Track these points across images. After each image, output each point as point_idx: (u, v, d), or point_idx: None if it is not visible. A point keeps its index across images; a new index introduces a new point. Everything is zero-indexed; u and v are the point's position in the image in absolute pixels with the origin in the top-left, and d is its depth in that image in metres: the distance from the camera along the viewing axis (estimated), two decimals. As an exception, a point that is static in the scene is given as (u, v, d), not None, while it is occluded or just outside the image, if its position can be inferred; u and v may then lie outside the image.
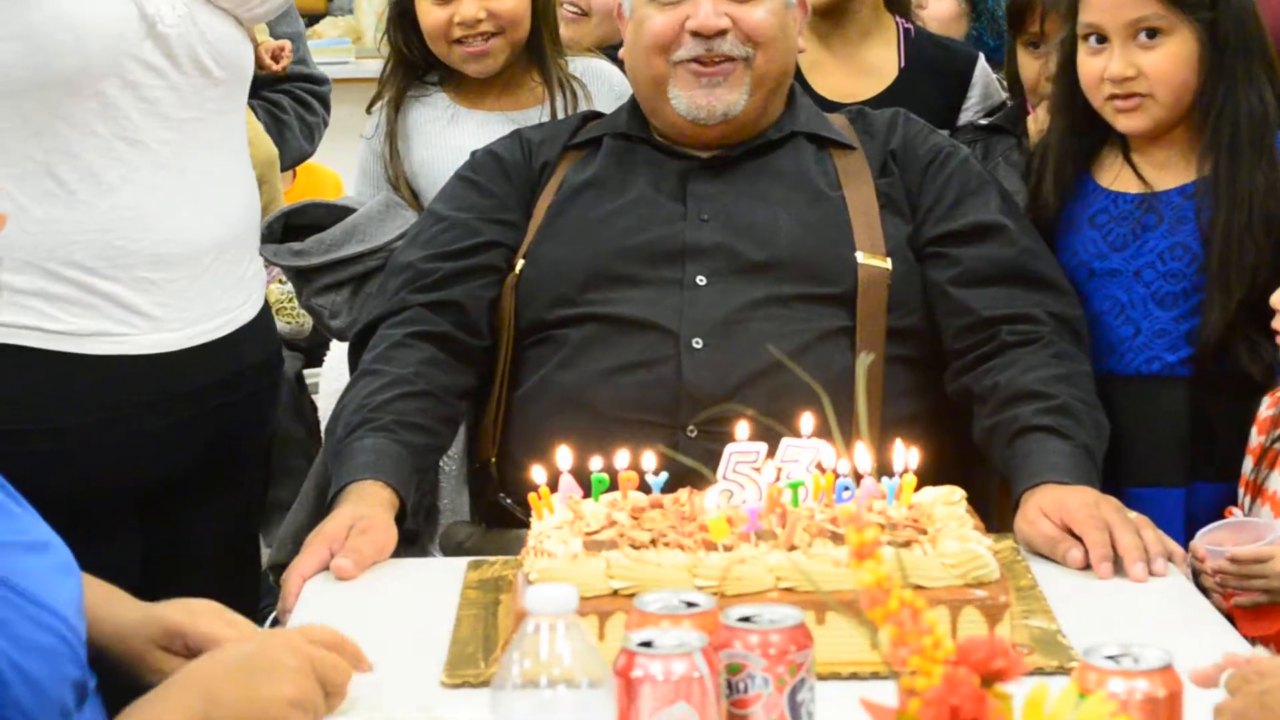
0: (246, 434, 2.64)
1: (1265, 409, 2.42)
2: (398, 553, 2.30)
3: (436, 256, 2.64)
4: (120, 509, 2.47)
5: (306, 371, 3.61)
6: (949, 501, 2.03)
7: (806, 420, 2.06)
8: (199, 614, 1.89)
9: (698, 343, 2.48)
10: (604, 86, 3.19)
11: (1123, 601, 2.08)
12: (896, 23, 3.32)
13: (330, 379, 3.13)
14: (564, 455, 2.10)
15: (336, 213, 3.04)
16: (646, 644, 1.54)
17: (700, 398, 2.44)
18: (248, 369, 2.59)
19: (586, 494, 2.07)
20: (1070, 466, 2.32)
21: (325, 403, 3.07)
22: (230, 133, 2.57)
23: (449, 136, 3.14)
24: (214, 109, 2.52)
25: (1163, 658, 1.50)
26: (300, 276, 3.01)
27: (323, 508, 2.43)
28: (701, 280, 2.53)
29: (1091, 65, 2.58)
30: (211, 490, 2.57)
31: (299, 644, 1.73)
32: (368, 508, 2.31)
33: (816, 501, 2.00)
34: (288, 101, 3.95)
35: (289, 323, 3.64)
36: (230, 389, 2.54)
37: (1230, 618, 2.16)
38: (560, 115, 3.08)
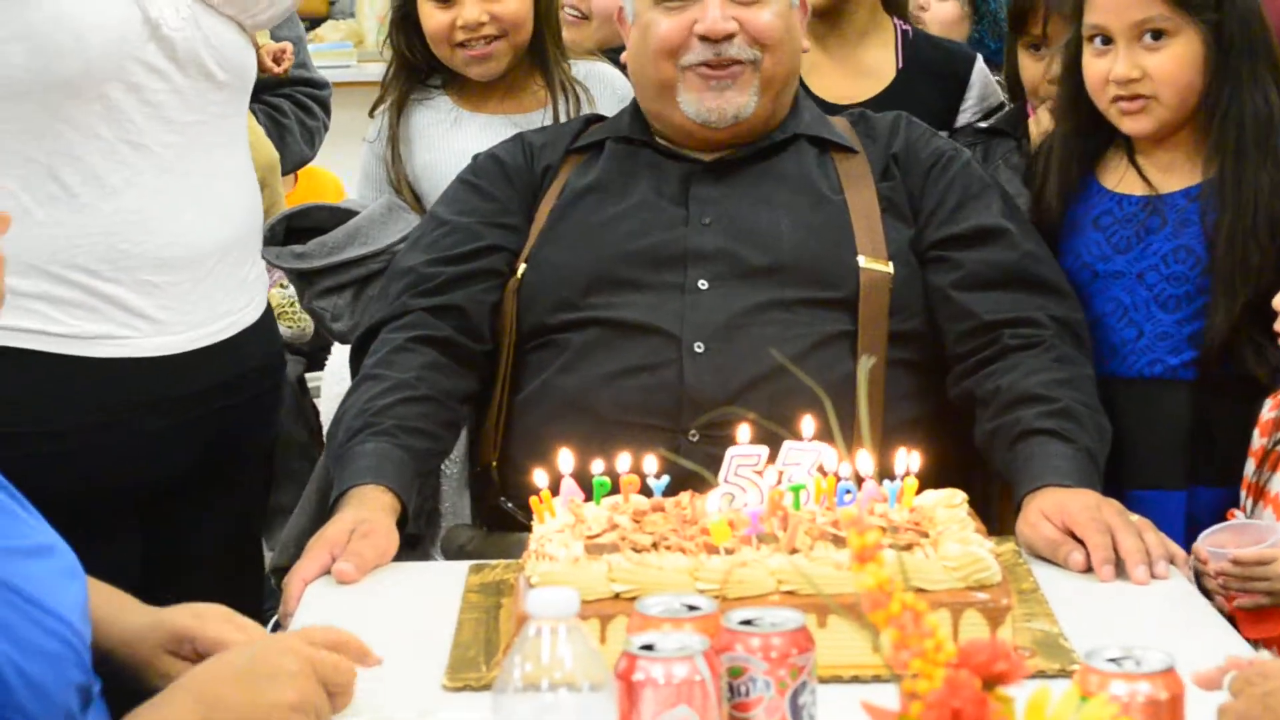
0: (248, 436, 2.64)
1: (1267, 411, 2.42)
2: (399, 556, 2.30)
3: (438, 261, 2.64)
4: (120, 510, 2.47)
5: (308, 375, 3.61)
6: (950, 504, 2.03)
7: (808, 424, 2.06)
8: (208, 618, 1.89)
9: (699, 347, 2.48)
10: (606, 90, 3.19)
11: (1124, 604, 2.08)
12: (894, 24, 3.32)
13: (332, 383, 3.13)
14: (565, 459, 2.10)
15: (339, 215, 3.04)
16: (648, 647, 1.54)
17: (702, 402, 2.44)
18: (250, 371, 2.59)
19: (588, 497, 2.07)
20: (1072, 470, 2.32)
21: (327, 406, 3.07)
22: (233, 136, 2.58)
23: (452, 140, 3.14)
24: (217, 112, 2.52)
25: (1164, 660, 1.50)
26: (302, 279, 3.01)
27: (324, 511, 2.43)
28: (703, 284, 2.53)
29: (1096, 67, 2.58)
30: (213, 492, 2.58)
31: (299, 648, 1.73)
32: (369, 512, 2.31)
33: (818, 505, 2.00)
34: (288, 106, 3.95)
35: (290, 326, 3.64)
36: (233, 391, 2.54)
37: (1232, 620, 2.16)
38: (563, 119, 3.08)
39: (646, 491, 2.07)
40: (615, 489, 2.08)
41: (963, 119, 3.25)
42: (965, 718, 1.27)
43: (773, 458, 2.02)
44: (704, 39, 2.57)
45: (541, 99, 3.17)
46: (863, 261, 2.54)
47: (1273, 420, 2.40)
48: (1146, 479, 2.57)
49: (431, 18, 3.13)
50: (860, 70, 3.26)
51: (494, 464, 2.60)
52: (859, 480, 1.99)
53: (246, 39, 2.59)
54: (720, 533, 1.91)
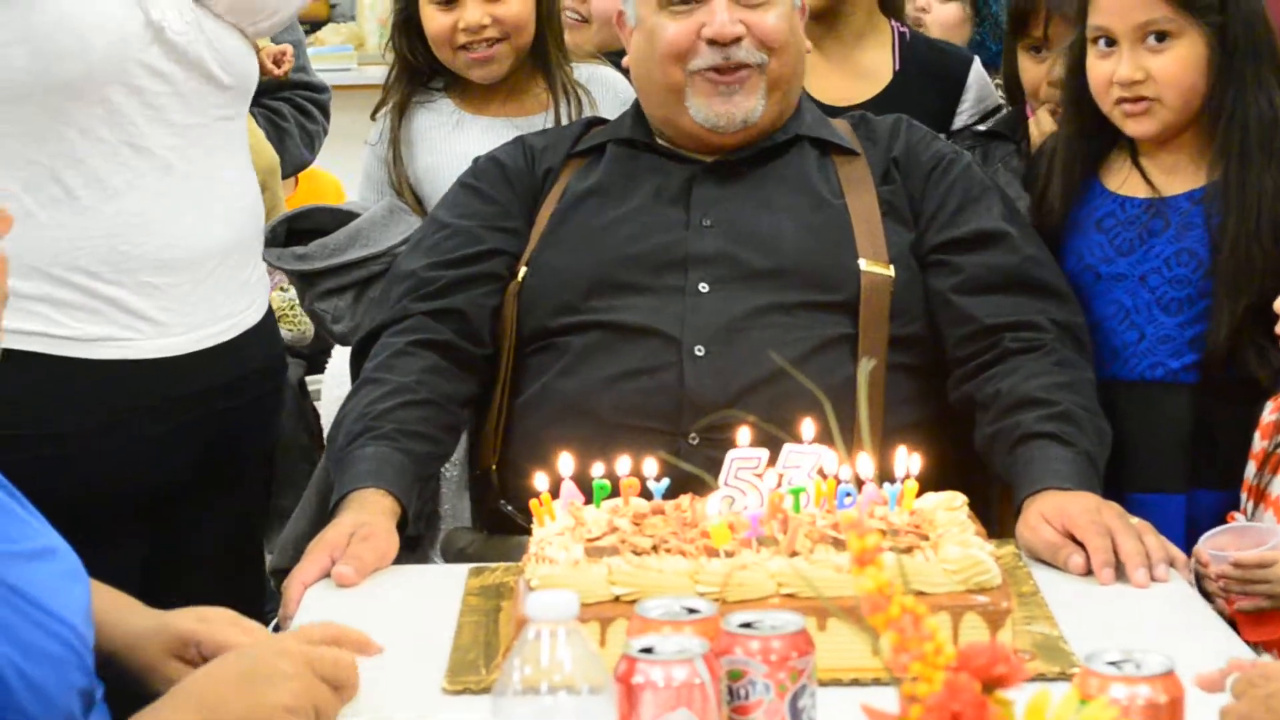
0: (249, 438, 2.64)
1: (1268, 414, 2.42)
2: (399, 559, 2.30)
3: (439, 264, 2.63)
4: (122, 514, 2.47)
5: (309, 378, 3.61)
6: (950, 507, 2.03)
7: (808, 427, 2.06)
8: (213, 622, 1.89)
9: (700, 350, 2.48)
10: (609, 93, 3.19)
11: (1124, 607, 2.08)
12: (891, 26, 3.32)
13: (332, 386, 3.13)
14: (565, 462, 2.10)
15: (340, 217, 3.04)
16: (648, 650, 1.54)
17: (702, 405, 2.44)
18: (251, 373, 2.59)
19: (588, 500, 2.07)
20: (1072, 473, 2.32)
21: (327, 409, 3.07)
22: (234, 138, 2.58)
23: (454, 142, 3.14)
24: (218, 115, 2.52)
25: (1164, 663, 1.50)
26: (303, 280, 3.01)
27: (324, 514, 2.43)
28: (704, 287, 2.53)
29: (1100, 68, 2.58)
30: (214, 494, 2.58)
31: (295, 648, 1.72)
32: (369, 515, 2.31)
33: (818, 507, 2.00)
34: (288, 109, 3.95)
35: (291, 329, 3.64)
36: (234, 393, 2.54)
37: (1233, 623, 2.16)
38: (565, 122, 3.07)
39: (646, 494, 2.07)
40: (615, 492, 2.08)
41: (959, 121, 3.25)
42: (965, 721, 1.27)
43: (773, 461, 2.02)
44: (712, 43, 2.56)
45: (543, 102, 3.17)
46: (863, 265, 2.54)
47: (1273, 423, 2.40)
48: (1147, 482, 2.56)
49: (433, 20, 3.13)
50: (857, 72, 3.26)
51: (494, 467, 2.60)
52: (859, 483, 1.99)
53: (248, 44, 2.59)
54: (720, 535, 1.90)
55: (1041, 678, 1.81)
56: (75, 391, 2.38)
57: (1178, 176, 2.62)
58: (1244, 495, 2.41)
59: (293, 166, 4.03)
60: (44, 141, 2.35)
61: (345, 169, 4.09)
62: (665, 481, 2.07)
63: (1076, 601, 2.08)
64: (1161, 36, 2.54)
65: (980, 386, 2.50)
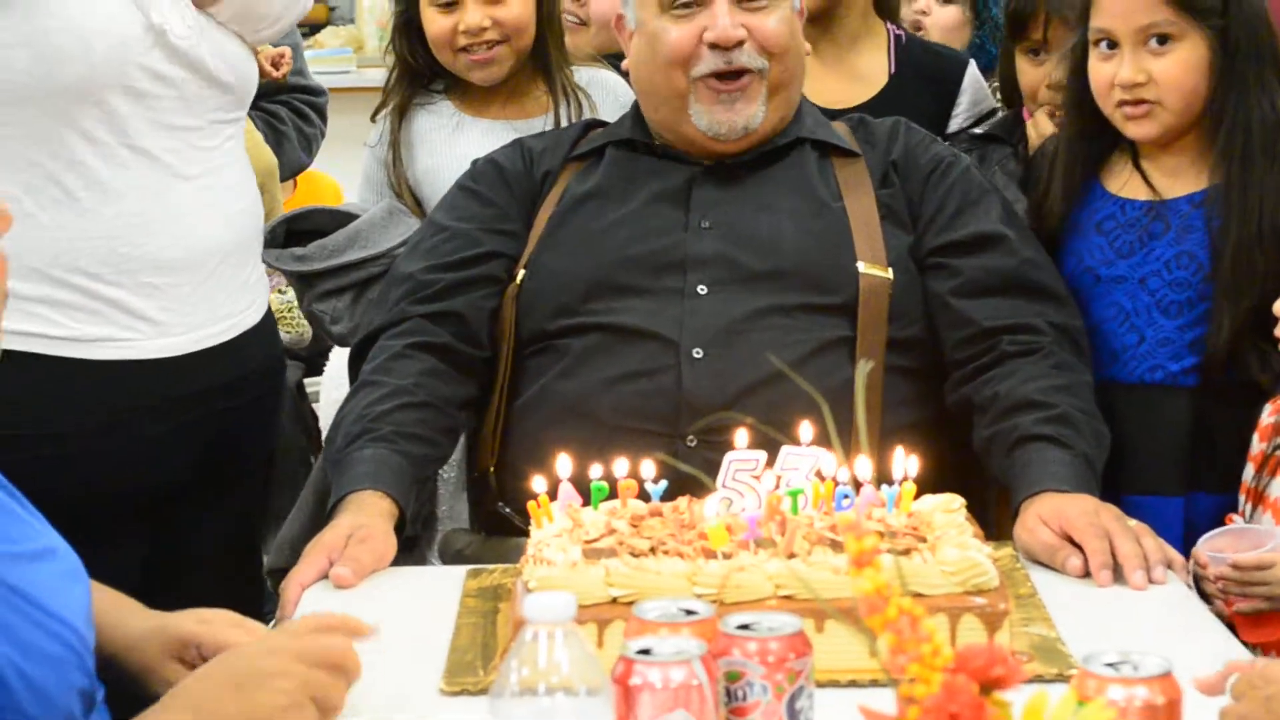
0: (249, 438, 2.64)
1: (1267, 416, 2.42)
2: (396, 560, 2.30)
3: (437, 267, 2.63)
4: (121, 514, 2.47)
5: (307, 380, 3.61)
6: (948, 509, 2.03)
7: (806, 429, 2.06)
8: (215, 623, 1.88)
9: (698, 352, 2.48)
10: (609, 97, 3.19)
11: (1122, 609, 2.08)
12: (887, 29, 3.32)
13: (330, 388, 3.13)
14: (563, 464, 2.10)
15: (339, 218, 3.04)
16: (645, 651, 1.54)
17: (700, 407, 2.44)
18: (251, 373, 2.59)
19: (586, 502, 2.07)
20: (1070, 475, 2.32)
21: (325, 412, 3.07)
22: (233, 140, 2.58)
23: (454, 145, 3.14)
24: (219, 118, 2.53)
25: (1162, 665, 1.50)
26: (302, 281, 3.01)
27: (321, 514, 2.43)
28: (702, 289, 2.53)
29: (1102, 71, 2.58)
30: (214, 495, 2.58)
31: (283, 644, 1.70)
32: (367, 517, 2.31)
33: (816, 509, 2.00)
34: (285, 113, 3.96)
35: (289, 332, 3.65)
36: (234, 393, 2.55)
37: (1231, 625, 2.16)
38: (565, 125, 3.07)
39: (644, 496, 2.07)
40: (613, 494, 2.08)
41: (954, 124, 3.25)
42: (962, 722, 1.27)
43: (771, 462, 2.02)
44: (714, 47, 2.56)
45: (544, 104, 3.17)
46: (862, 267, 2.54)
47: (1272, 425, 2.40)
48: (1145, 484, 2.56)
49: (434, 23, 3.13)
50: (853, 75, 3.26)
51: (492, 469, 2.60)
52: (857, 485, 1.99)
53: (248, 48, 2.60)
54: (718, 537, 1.90)
55: (1039, 679, 1.81)
56: (75, 392, 2.39)
57: (1178, 179, 2.62)
58: (1242, 497, 2.41)
59: (290, 169, 4.03)
60: (45, 144, 2.36)
61: (344, 171, 4.10)
62: (663, 483, 2.07)
63: (1074, 603, 2.08)
64: (1163, 39, 2.54)
65: (978, 389, 2.50)
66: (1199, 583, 2.23)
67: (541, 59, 3.16)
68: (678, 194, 2.62)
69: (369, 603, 2.16)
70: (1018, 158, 2.89)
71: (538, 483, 2.06)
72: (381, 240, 2.98)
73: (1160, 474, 2.57)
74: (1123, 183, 2.66)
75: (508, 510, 2.56)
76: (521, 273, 2.62)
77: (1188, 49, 2.54)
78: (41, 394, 2.38)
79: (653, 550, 1.92)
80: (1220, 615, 2.16)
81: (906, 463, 2.03)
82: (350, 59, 6.97)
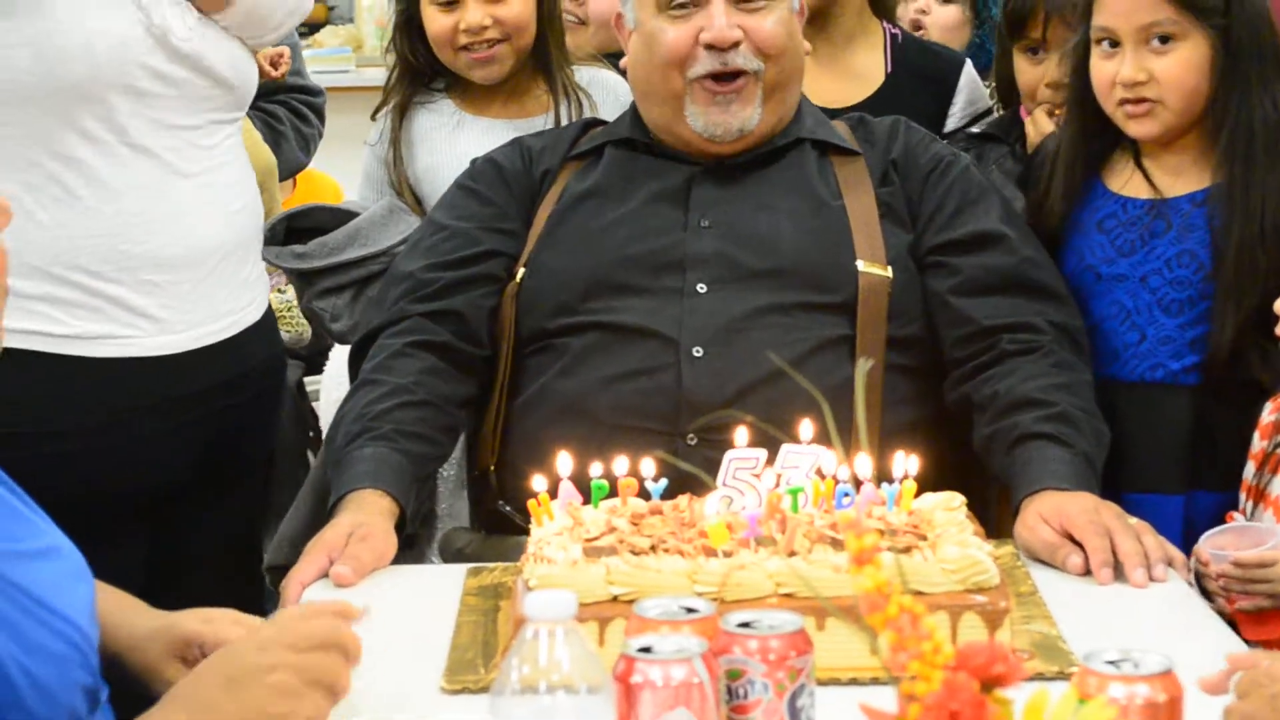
0: (250, 436, 2.64)
1: (1268, 414, 2.42)
2: (396, 558, 2.30)
3: (436, 266, 2.63)
4: (122, 513, 2.47)
5: (307, 379, 3.61)
6: (949, 507, 2.03)
7: (806, 427, 2.06)
8: (217, 623, 1.88)
9: (698, 351, 2.48)
10: (609, 96, 3.19)
11: (1123, 607, 2.08)
12: (883, 28, 3.32)
13: (330, 387, 3.13)
14: (564, 462, 2.10)
15: (339, 216, 3.04)
16: (646, 649, 1.53)
17: (700, 405, 2.44)
18: (252, 371, 2.60)
19: (586, 501, 2.07)
20: (1070, 473, 2.32)
21: (325, 410, 3.07)
22: (232, 138, 2.59)
23: (454, 143, 3.14)
24: (219, 117, 2.53)
25: (1163, 663, 1.49)
26: (302, 279, 3.01)
27: (320, 511, 2.43)
28: (702, 288, 2.53)
29: (1104, 69, 2.58)
30: (214, 494, 2.58)
31: (275, 637, 1.68)
32: (367, 516, 2.31)
33: (816, 507, 2.00)
34: (284, 113, 3.95)
35: (289, 331, 3.65)
36: (235, 391, 2.55)
37: (1233, 623, 2.16)
38: (565, 124, 3.07)
39: (645, 494, 2.07)
40: (613, 492, 2.08)
41: (950, 123, 3.24)
42: (963, 720, 1.27)
43: (771, 461, 2.02)
44: (710, 47, 2.56)
45: (544, 103, 3.17)
46: (861, 266, 2.54)
47: (1273, 423, 2.40)
48: (1145, 483, 2.56)
49: (434, 21, 3.14)
50: (849, 74, 3.25)
51: (492, 468, 2.60)
52: (857, 483, 1.99)
53: (248, 52, 2.61)
54: (718, 535, 1.90)
55: (1040, 677, 1.81)
56: (76, 390, 2.39)
57: (1180, 178, 2.62)
58: (1243, 495, 2.41)
59: (289, 169, 4.03)
60: (46, 143, 2.36)
61: (343, 171, 4.10)
62: (663, 482, 2.07)
63: (1075, 601, 2.08)
64: (1165, 38, 2.54)
65: (978, 388, 2.50)
66: (1200, 580, 2.23)
67: (542, 58, 3.17)
68: (677, 193, 2.62)
69: (369, 601, 2.16)
70: (1015, 156, 2.89)
71: (538, 481, 2.06)
72: (381, 238, 2.99)
73: (1161, 472, 2.57)
74: (1124, 181, 2.66)
75: (508, 509, 2.56)
76: (521, 271, 2.62)
77: (1189, 48, 2.54)
78: (42, 392, 2.38)
79: (653, 548, 1.92)
80: (1221, 613, 2.16)
81: (907, 461, 2.03)
82: (349, 58, 6.97)
